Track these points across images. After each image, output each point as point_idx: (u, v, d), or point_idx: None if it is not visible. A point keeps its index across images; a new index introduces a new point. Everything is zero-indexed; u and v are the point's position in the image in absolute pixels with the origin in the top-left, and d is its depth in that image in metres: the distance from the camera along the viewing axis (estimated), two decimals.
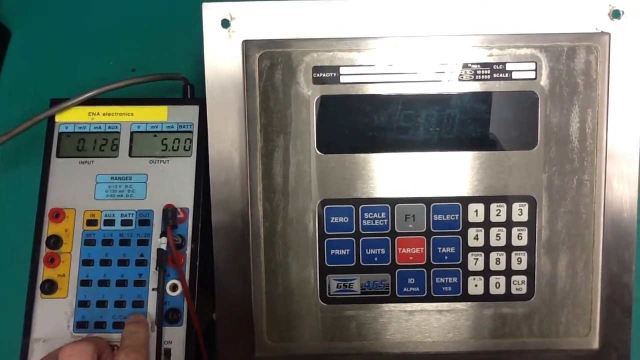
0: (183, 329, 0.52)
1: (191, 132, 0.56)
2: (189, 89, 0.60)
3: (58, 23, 0.68)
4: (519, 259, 0.53)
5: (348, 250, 0.53)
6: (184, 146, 0.56)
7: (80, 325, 0.52)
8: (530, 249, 0.53)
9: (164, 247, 0.51)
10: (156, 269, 0.51)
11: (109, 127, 0.56)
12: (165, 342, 0.52)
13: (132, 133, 0.56)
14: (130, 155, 0.56)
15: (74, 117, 0.57)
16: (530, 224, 0.53)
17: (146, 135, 0.56)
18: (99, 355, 0.47)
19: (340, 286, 0.53)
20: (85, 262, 0.53)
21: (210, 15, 0.53)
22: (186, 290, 0.51)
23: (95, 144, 0.56)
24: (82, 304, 0.53)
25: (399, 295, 0.53)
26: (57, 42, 0.68)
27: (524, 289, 0.53)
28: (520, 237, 0.53)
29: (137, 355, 0.48)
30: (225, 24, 0.53)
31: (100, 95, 0.57)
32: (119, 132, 0.56)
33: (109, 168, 0.55)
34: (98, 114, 0.57)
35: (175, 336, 0.52)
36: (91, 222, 0.54)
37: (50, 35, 0.68)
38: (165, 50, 0.67)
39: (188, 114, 0.57)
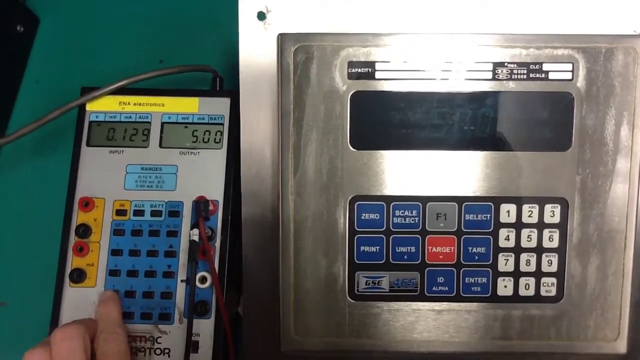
0: (211, 322, 0.52)
1: (222, 124, 0.56)
2: (218, 81, 0.60)
3: (86, 11, 0.68)
4: (550, 261, 0.53)
5: (378, 247, 0.53)
6: (215, 138, 0.56)
7: None
8: (561, 251, 0.53)
9: (196, 238, 0.51)
10: (188, 261, 0.51)
11: (140, 117, 0.56)
12: (194, 334, 0.52)
13: (162, 124, 0.56)
14: (160, 145, 0.56)
15: (105, 106, 0.57)
16: (562, 226, 0.53)
17: (177, 126, 0.56)
18: (92, 336, 0.48)
19: (369, 283, 0.53)
20: (114, 252, 0.53)
21: (247, 7, 0.52)
22: (216, 283, 0.51)
23: (126, 133, 0.56)
24: None
25: (427, 294, 0.53)
26: (84, 30, 0.68)
27: (553, 291, 0.53)
28: (551, 239, 0.53)
29: (115, 337, 0.48)
30: (262, 16, 0.52)
31: (131, 86, 0.56)
32: (149, 122, 0.56)
33: (139, 158, 0.55)
34: (129, 103, 0.56)
35: (204, 329, 0.52)
36: (120, 212, 0.54)
37: (78, 23, 0.68)
38: (193, 41, 0.67)
39: (219, 106, 0.56)
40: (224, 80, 0.61)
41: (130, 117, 0.56)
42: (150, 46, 0.67)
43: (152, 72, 0.57)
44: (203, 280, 0.52)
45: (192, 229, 0.52)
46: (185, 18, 0.67)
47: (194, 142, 0.56)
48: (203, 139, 0.56)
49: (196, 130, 0.56)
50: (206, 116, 0.56)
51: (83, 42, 0.68)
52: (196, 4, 0.67)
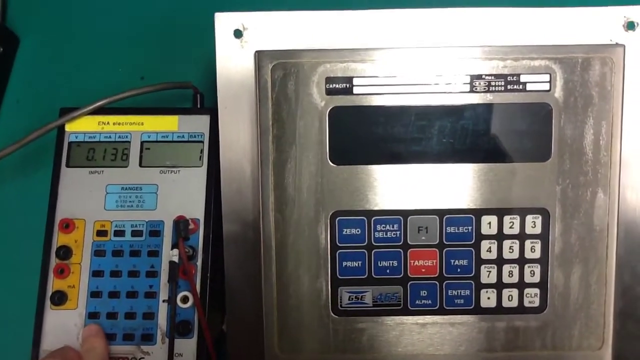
0: (194, 341, 0.52)
1: (202, 142, 0.56)
2: (199, 97, 0.60)
3: (66, 30, 0.68)
4: (532, 272, 0.53)
5: (360, 262, 0.53)
6: (195, 156, 0.56)
7: None
8: (543, 261, 0.53)
9: (175, 259, 0.51)
10: (168, 281, 0.51)
11: (119, 137, 0.56)
12: (176, 354, 0.51)
13: (142, 142, 0.56)
14: (140, 165, 0.55)
15: (84, 126, 0.56)
16: (544, 237, 0.53)
17: (157, 145, 0.56)
18: None
19: (352, 298, 0.53)
20: (96, 273, 0.53)
21: (223, 25, 0.52)
22: (197, 302, 0.51)
23: (106, 153, 0.56)
24: (92, 315, 0.52)
25: (411, 308, 0.53)
26: (65, 49, 0.67)
27: (536, 302, 0.53)
28: (533, 250, 0.53)
29: None
30: (238, 34, 0.52)
31: (110, 105, 0.56)
32: (129, 142, 0.56)
33: (119, 178, 0.55)
34: (108, 123, 0.56)
35: (186, 348, 0.52)
36: (101, 233, 0.54)
37: (59, 42, 0.68)
38: (174, 58, 0.66)
39: (199, 123, 0.56)
40: (204, 97, 0.61)
41: (110, 136, 0.56)
42: (131, 63, 0.66)
43: (132, 91, 0.57)
44: (185, 299, 0.52)
45: (172, 249, 0.52)
46: (167, 36, 0.67)
47: (174, 160, 0.55)
48: (183, 157, 0.56)
49: (176, 149, 0.56)
50: (186, 134, 0.56)
51: (63, 61, 0.67)
52: (177, 22, 0.67)
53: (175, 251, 0.51)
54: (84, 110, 0.56)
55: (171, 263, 0.51)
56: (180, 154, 0.56)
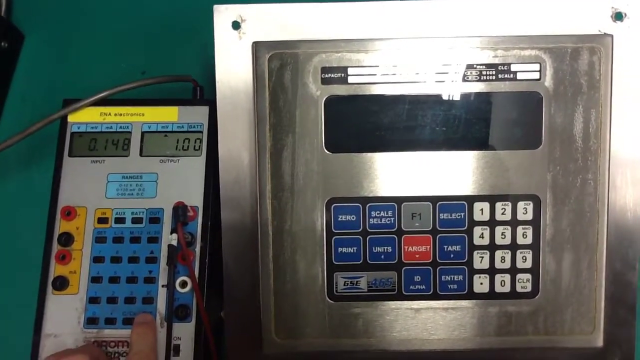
0: (192, 325, 0.53)
1: (201, 132, 0.57)
2: (199, 90, 0.61)
3: (70, 27, 0.69)
4: (524, 257, 0.54)
5: (355, 248, 0.54)
6: (194, 146, 0.57)
7: (90, 321, 0.53)
8: (535, 247, 0.54)
9: (174, 243, 0.52)
10: (167, 264, 0.52)
11: (121, 127, 0.57)
12: (175, 338, 0.52)
13: (143, 133, 0.57)
14: (141, 154, 0.57)
15: (86, 117, 0.58)
16: (535, 223, 0.54)
17: (157, 135, 0.57)
18: None
19: (348, 284, 0.54)
20: (96, 259, 0.54)
21: (221, 17, 0.54)
22: (196, 286, 0.52)
23: (107, 143, 0.57)
24: (92, 300, 0.54)
25: (405, 293, 0.54)
26: (69, 45, 0.69)
27: (528, 287, 0.54)
28: (525, 236, 0.54)
29: None
30: (236, 25, 0.54)
31: (112, 97, 0.58)
32: (130, 132, 0.57)
33: (120, 167, 0.56)
34: (110, 114, 0.58)
35: (185, 332, 0.53)
36: (102, 220, 0.55)
37: (63, 39, 0.69)
38: (175, 53, 0.68)
39: (198, 114, 0.58)
40: (204, 89, 0.62)
41: (111, 127, 0.57)
42: (133, 58, 0.68)
43: (133, 83, 0.58)
44: (183, 284, 0.53)
45: (171, 233, 0.53)
46: (167, 30, 0.69)
47: (173, 150, 0.57)
48: (183, 146, 0.57)
49: (176, 139, 0.57)
50: (185, 124, 0.57)
51: (67, 56, 0.69)
52: (177, 17, 0.69)
53: (174, 235, 0.52)
54: (86, 102, 0.57)
55: (170, 247, 0.52)
56: (180, 144, 0.57)
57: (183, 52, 0.67)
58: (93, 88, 0.59)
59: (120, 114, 0.58)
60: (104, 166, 0.57)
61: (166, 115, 0.58)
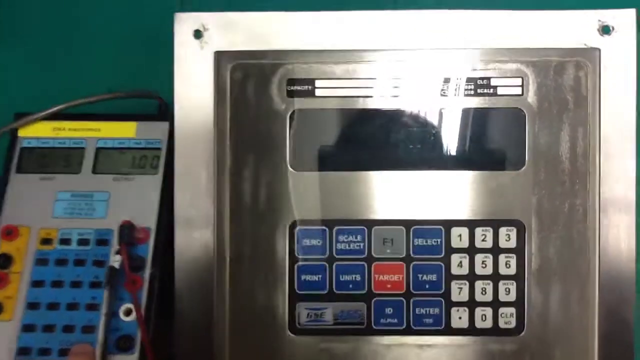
0: (135, 358, 0.47)
1: (159, 149, 0.53)
2: (164, 108, 0.58)
3: (38, 39, 0.67)
4: (507, 289, 0.49)
5: (320, 276, 0.49)
6: (151, 164, 0.53)
7: (22, 351, 0.48)
8: (519, 278, 0.48)
9: (116, 265, 0.47)
10: (104, 288, 0.47)
11: (74, 143, 0.54)
12: None
13: (97, 149, 0.54)
14: (94, 172, 0.53)
15: (38, 132, 0.54)
16: (519, 251, 0.49)
17: (112, 152, 0.53)
18: None
19: (311, 316, 0.49)
20: (36, 284, 0.50)
21: (183, 25, 0.51)
22: (139, 315, 0.47)
23: (58, 159, 0.53)
24: (27, 328, 0.48)
25: (375, 327, 0.49)
26: (34, 58, 0.66)
27: (513, 323, 0.48)
28: (508, 265, 0.49)
29: None
30: (198, 34, 0.51)
31: (69, 111, 0.54)
32: (84, 148, 0.54)
33: (71, 185, 0.52)
34: (63, 129, 0.54)
35: None
36: (46, 241, 0.51)
37: (23, 49, 0.66)
38: (145, 70, 0.65)
39: (158, 130, 0.54)
40: (171, 107, 0.58)
41: (64, 142, 0.54)
42: (99, 75, 0.65)
43: (91, 98, 0.55)
44: (128, 312, 0.48)
45: (115, 254, 0.48)
46: (138, 44, 0.66)
47: (129, 167, 0.53)
48: (139, 164, 0.53)
49: (132, 156, 0.53)
50: (143, 141, 0.54)
51: (26, 69, 0.66)
52: (148, 30, 0.66)
53: (118, 257, 0.47)
54: (38, 115, 0.54)
55: (110, 268, 0.47)
56: (136, 162, 0.53)
57: (154, 69, 0.64)
58: (50, 101, 0.55)
59: (75, 129, 0.54)
60: (53, 183, 0.52)
61: (123, 131, 0.54)
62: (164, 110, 0.57)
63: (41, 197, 0.52)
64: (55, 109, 0.54)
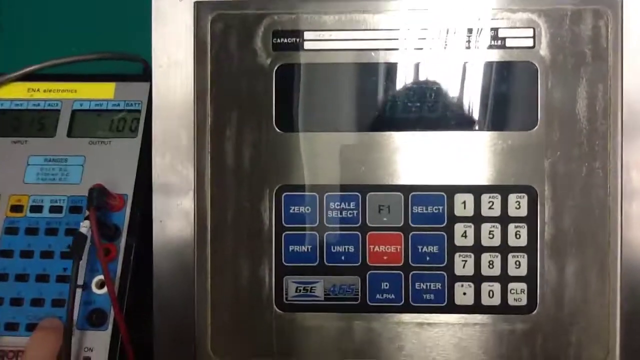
0: (108, 334, 0.44)
1: (139, 110, 0.50)
2: (150, 71, 0.54)
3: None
4: (517, 263, 0.44)
5: (310, 247, 0.45)
6: (130, 127, 0.50)
7: None
8: (530, 250, 0.44)
9: (84, 230, 0.43)
10: (69, 256, 0.43)
11: (49, 105, 0.50)
12: (86, 348, 0.43)
13: (73, 111, 0.50)
14: (69, 135, 0.50)
15: (11, 93, 0.51)
16: (530, 220, 0.44)
17: (89, 114, 0.50)
18: None
19: (300, 290, 0.45)
20: (4, 254, 0.46)
21: None
22: (109, 287, 0.43)
23: (32, 122, 0.50)
24: None
25: (370, 303, 0.44)
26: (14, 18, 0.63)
27: (523, 300, 0.44)
28: (518, 236, 0.44)
29: None
30: None
31: (45, 72, 0.51)
32: (59, 110, 0.50)
33: (44, 149, 0.49)
34: (38, 90, 0.51)
35: (99, 342, 0.44)
36: (16, 208, 0.47)
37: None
38: (133, 35, 0.61)
39: (137, 91, 0.51)
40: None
41: (39, 104, 0.51)
42: (88, 40, 0.61)
43: (67, 58, 0.52)
44: (101, 285, 0.44)
45: (84, 220, 0.44)
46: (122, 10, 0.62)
47: (106, 130, 0.49)
48: (117, 127, 0.50)
49: (110, 118, 0.50)
50: (122, 102, 0.50)
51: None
52: None
53: (87, 222, 0.43)
54: (11, 76, 0.51)
55: (78, 235, 0.43)
56: (114, 124, 0.49)
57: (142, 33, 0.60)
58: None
59: (50, 90, 0.51)
60: (25, 147, 0.49)
61: (101, 92, 0.50)
62: (149, 73, 0.53)
63: (12, 161, 0.49)
64: (29, 69, 0.51)
